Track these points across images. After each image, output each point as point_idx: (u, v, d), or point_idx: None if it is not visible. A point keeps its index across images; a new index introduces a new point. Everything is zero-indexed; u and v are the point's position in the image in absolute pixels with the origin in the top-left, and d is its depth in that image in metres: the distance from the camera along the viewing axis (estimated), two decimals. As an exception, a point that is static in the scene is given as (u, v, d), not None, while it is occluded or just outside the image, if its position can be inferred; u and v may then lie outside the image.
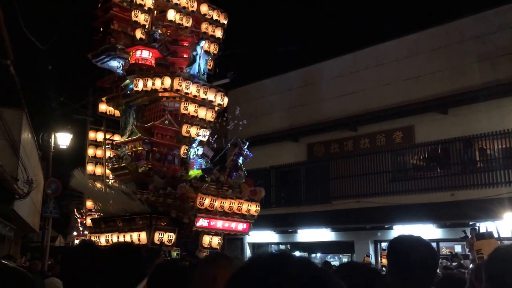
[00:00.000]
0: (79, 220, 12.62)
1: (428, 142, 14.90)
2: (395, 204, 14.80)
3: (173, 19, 11.95)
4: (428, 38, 15.36)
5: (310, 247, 17.55)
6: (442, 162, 14.81)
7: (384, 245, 15.88)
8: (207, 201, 9.75)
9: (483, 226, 11.98)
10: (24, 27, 9.00)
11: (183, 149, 11.34)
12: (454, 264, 11.31)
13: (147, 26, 11.64)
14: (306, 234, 17.44)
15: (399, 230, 14.97)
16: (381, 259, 15.40)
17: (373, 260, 15.25)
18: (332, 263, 15.79)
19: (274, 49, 33.79)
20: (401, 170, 15.69)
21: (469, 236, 11.19)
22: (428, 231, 14.30)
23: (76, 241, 11.34)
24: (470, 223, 12.89)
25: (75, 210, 13.36)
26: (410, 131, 15.40)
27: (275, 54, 33.53)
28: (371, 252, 15.68)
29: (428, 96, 14.69)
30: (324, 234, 16.91)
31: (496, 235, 10.61)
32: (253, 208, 10.59)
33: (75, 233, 11.53)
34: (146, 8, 11.61)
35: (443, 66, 14.79)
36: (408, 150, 15.49)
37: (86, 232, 11.68)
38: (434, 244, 14.24)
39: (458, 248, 14.17)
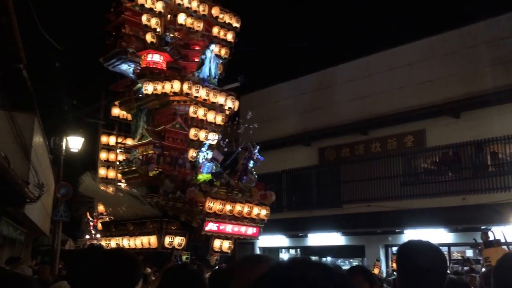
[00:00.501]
0: (91, 224, 12.65)
1: (439, 146, 14.81)
2: (406, 208, 14.72)
3: (184, 23, 11.97)
4: (441, 42, 15.29)
5: (321, 251, 17.49)
6: (454, 166, 14.70)
7: (395, 249, 15.78)
8: (216, 205, 9.71)
9: (495, 230, 11.89)
10: (41, 29, 9.05)
11: (192, 152, 11.33)
12: (465, 268, 11.22)
13: (158, 30, 11.66)
14: (317, 238, 17.39)
15: (410, 234, 14.88)
16: (392, 264, 15.34)
17: (384, 265, 15.19)
18: (343, 268, 15.82)
19: (287, 53, 33.86)
20: (412, 174, 15.60)
21: (480, 240, 11.11)
22: (439, 235, 14.21)
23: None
24: (482, 227, 12.77)
25: (88, 213, 13.41)
26: (421, 135, 15.32)
27: (288, 58, 33.53)
28: (382, 256, 15.60)
29: (440, 100, 14.60)
30: (335, 238, 16.86)
31: (503, 241, 10.59)
32: (263, 212, 10.53)
33: (87, 237, 11.56)
34: (157, 12, 11.64)
35: (456, 70, 14.70)
36: (419, 154, 15.40)
37: (98, 236, 11.70)
38: (445, 249, 14.25)
39: (469, 253, 14.08)
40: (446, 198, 14.15)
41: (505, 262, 2.16)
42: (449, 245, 14.62)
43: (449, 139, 14.54)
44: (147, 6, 11.50)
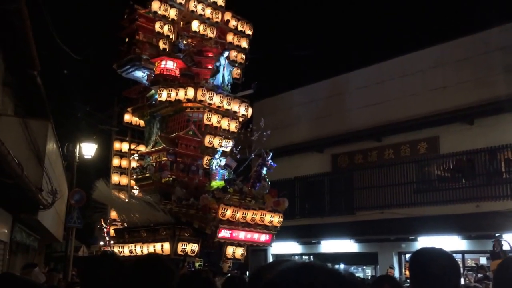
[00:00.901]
0: (105, 230, 12.67)
1: (453, 153, 14.70)
2: (420, 216, 14.61)
3: (198, 30, 12.01)
4: (454, 48, 15.23)
5: (334, 258, 17.38)
6: (467, 173, 14.56)
7: (408, 256, 15.65)
8: (229, 212, 9.68)
9: (509, 238, 11.77)
10: (57, 38, 9.12)
11: (205, 159, 11.32)
12: (479, 276, 11.10)
13: (171, 37, 11.71)
14: (330, 245, 17.31)
15: (423, 241, 14.77)
16: (405, 271, 15.21)
17: (397, 272, 15.07)
18: (356, 275, 15.71)
19: (300, 60, 33.89)
20: (425, 181, 15.49)
21: (493, 249, 11.01)
22: (453, 242, 14.10)
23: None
24: (496, 234, 12.65)
25: (101, 220, 13.43)
26: (435, 141, 15.22)
27: (301, 65, 33.56)
28: (395, 263, 15.50)
29: (453, 107, 14.52)
30: (347, 245, 16.76)
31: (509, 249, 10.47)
32: (276, 219, 10.48)
33: (101, 243, 11.56)
34: (170, 19, 11.69)
35: (469, 77, 14.62)
36: (433, 161, 15.29)
37: (112, 242, 11.72)
38: (459, 256, 14.10)
39: (483, 260, 13.91)
40: (459, 205, 14.04)
41: (504, 265, 2.21)
42: (463, 253, 14.49)
43: (462, 146, 14.43)
44: (160, 13, 11.55)
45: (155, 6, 11.52)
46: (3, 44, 9.18)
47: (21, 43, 8.95)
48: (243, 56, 12.73)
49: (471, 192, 14.11)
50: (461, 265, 14.21)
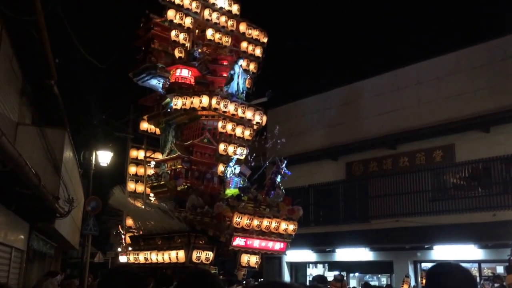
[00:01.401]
0: (123, 237, 12.75)
1: (469, 161, 14.56)
2: (435, 224, 14.49)
3: (212, 38, 12.09)
4: (470, 55, 15.13)
5: (348, 266, 17.30)
6: (484, 181, 14.40)
7: (424, 265, 15.52)
8: (243, 220, 9.67)
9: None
10: (80, 48, 9.25)
11: (220, 167, 11.35)
12: (496, 285, 10.98)
13: (186, 45, 11.79)
14: (345, 254, 17.21)
15: (439, 250, 14.64)
16: (421, 280, 15.05)
17: (413, 281, 14.93)
18: (371, 283, 15.60)
19: (313, 67, 33.89)
20: (441, 189, 15.34)
21: (509, 262, 10.84)
22: (469, 251, 13.96)
23: (121, 258, 11.40)
24: (512, 244, 12.51)
25: (119, 226, 13.52)
26: (450, 149, 15.09)
27: (315, 72, 33.54)
28: (411, 272, 15.36)
29: (469, 114, 14.40)
30: (362, 254, 16.66)
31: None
32: (291, 227, 10.45)
33: (119, 249, 11.64)
34: (186, 28, 11.78)
35: (485, 84, 14.51)
36: (448, 169, 15.15)
37: (130, 248, 11.79)
38: (475, 265, 13.92)
39: (500, 269, 13.74)
40: (476, 214, 13.89)
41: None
42: (479, 262, 14.31)
43: (478, 154, 14.30)
44: (176, 21, 11.64)
45: (170, 15, 11.63)
46: (21, 54, 9.34)
47: (38, 53, 9.09)
48: (256, 65, 12.76)
49: (487, 200, 13.95)
50: (477, 274, 14.05)
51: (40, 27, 8.35)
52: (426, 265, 15.46)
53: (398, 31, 32.90)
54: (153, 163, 11.78)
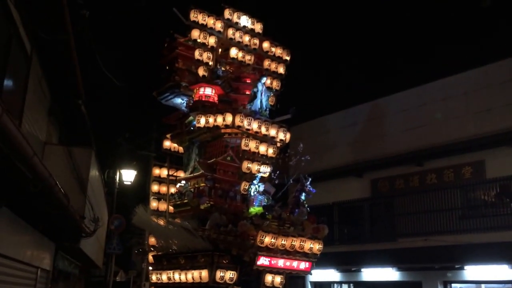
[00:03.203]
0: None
1: (500, 177, 14.14)
2: (466, 243, 14.07)
3: (236, 57, 12.12)
4: (499, 70, 14.85)
5: (375, 287, 16.87)
6: (516, 198, 13.96)
7: (455, 286, 15.05)
8: (267, 239, 9.50)
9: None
10: (103, 67, 9.37)
11: (243, 185, 11.25)
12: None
13: (210, 64, 11.84)
14: (371, 273, 16.80)
15: (471, 270, 14.17)
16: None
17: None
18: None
19: (337, 83, 33.79)
20: (471, 207, 14.92)
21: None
22: (502, 272, 13.43)
23: (152, 277, 11.31)
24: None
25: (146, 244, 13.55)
26: (480, 166, 14.72)
27: (339, 88, 33.43)
28: (441, 294, 14.89)
29: (500, 130, 14.08)
30: (389, 274, 16.22)
31: None
32: (316, 247, 10.22)
33: (150, 268, 11.55)
34: (209, 47, 11.85)
35: (515, 99, 14.16)
36: (479, 186, 14.74)
37: (150, 268, 11.71)
38: (509, 286, 13.39)
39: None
40: (508, 232, 13.45)
41: None
42: (514, 283, 13.79)
43: (510, 170, 13.92)
44: (199, 41, 11.71)
45: (195, 34, 11.71)
46: (50, 75, 9.50)
47: (67, 73, 9.24)
48: (279, 83, 12.74)
49: (520, 218, 13.52)
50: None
51: (70, 47, 8.49)
52: (457, 286, 14.98)
53: (423, 46, 32.57)
54: (183, 182, 11.70)
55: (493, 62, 15.14)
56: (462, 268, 14.41)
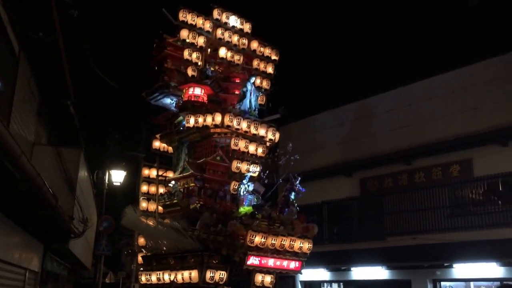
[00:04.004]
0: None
1: (488, 175, 14.29)
2: (455, 241, 14.20)
3: (225, 57, 12.13)
4: (485, 69, 15.00)
5: (365, 285, 16.96)
6: (504, 196, 14.11)
7: (444, 284, 15.18)
8: (257, 239, 9.51)
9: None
10: (96, 69, 9.34)
11: (233, 185, 11.25)
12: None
13: (199, 64, 11.84)
14: (360, 272, 16.88)
15: (460, 268, 14.29)
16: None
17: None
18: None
19: (326, 83, 33.92)
20: (459, 205, 15.05)
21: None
22: (490, 269, 13.57)
23: (142, 278, 11.24)
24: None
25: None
26: (468, 164, 14.86)
27: (327, 88, 33.55)
28: (430, 292, 15.02)
29: (486, 128, 14.23)
30: (379, 272, 16.32)
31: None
32: (306, 246, 10.25)
33: (141, 269, 11.51)
34: (198, 47, 11.85)
35: (501, 97, 14.35)
36: (466, 184, 14.88)
37: (142, 269, 11.67)
38: (497, 284, 13.53)
39: (524, 288, 13.33)
40: (497, 230, 13.61)
41: None
42: (501, 280, 13.88)
43: (497, 168, 14.07)
44: (188, 41, 11.71)
45: (183, 34, 11.70)
46: (38, 75, 9.45)
47: (56, 74, 9.20)
48: (268, 82, 12.78)
49: (508, 216, 13.68)
50: (500, 293, 13.65)
51: (59, 48, 8.45)
52: (446, 284, 15.11)
53: (410, 45, 32.79)
54: (172, 182, 11.66)
55: (480, 61, 15.27)
56: (451, 266, 14.53)
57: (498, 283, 13.81)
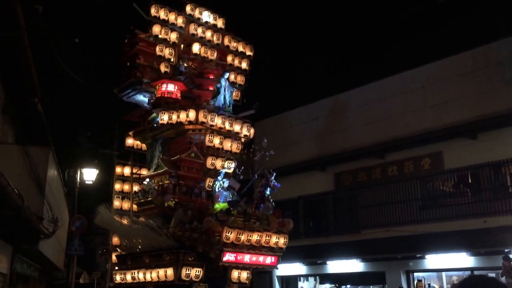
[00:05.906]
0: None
1: (457, 168, 14.58)
2: (427, 233, 14.43)
3: (198, 52, 12.02)
4: (454, 63, 15.28)
5: (340, 278, 17.13)
6: (473, 188, 14.43)
7: (417, 275, 15.44)
8: (233, 235, 9.49)
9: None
10: (64, 66, 9.11)
11: (208, 181, 11.19)
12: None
13: (172, 60, 11.71)
14: (336, 265, 17.04)
15: (432, 259, 14.55)
16: (414, 290, 14.97)
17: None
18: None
19: (299, 79, 34.03)
20: (431, 197, 15.31)
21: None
22: (461, 259, 13.87)
23: (116, 277, 11.07)
24: (506, 250, 12.47)
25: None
26: (438, 157, 15.11)
27: (301, 84, 33.66)
28: (403, 283, 15.26)
29: (456, 122, 14.50)
30: (354, 265, 16.50)
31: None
32: (282, 241, 10.29)
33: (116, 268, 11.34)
34: (171, 42, 11.71)
35: (470, 91, 14.63)
36: (437, 177, 15.15)
37: (117, 268, 11.51)
38: (468, 273, 13.83)
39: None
40: (466, 221, 13.87)
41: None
42: (471, 270, 14.19)
43: (467, 161, 14.33)
44: (161, 36, 11.56)
45: (156, 30, 11.55)
46: (3, 72, 9.17)
47: (22, 71, 8.94)
48: (243, 78, 12.73)
49: (477, 207, 13.96)
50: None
51: (24, 45, 8.21)
52: (419, 275, 15.38)
53: (382, 41, 33.14)
54: (147, 180, 11.51)
55: (449, 56, 15.53)
56: (423, 257, 14.78)
57: (469, 272, 14.12)
